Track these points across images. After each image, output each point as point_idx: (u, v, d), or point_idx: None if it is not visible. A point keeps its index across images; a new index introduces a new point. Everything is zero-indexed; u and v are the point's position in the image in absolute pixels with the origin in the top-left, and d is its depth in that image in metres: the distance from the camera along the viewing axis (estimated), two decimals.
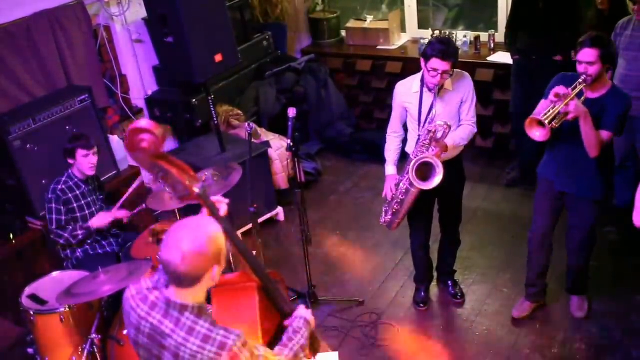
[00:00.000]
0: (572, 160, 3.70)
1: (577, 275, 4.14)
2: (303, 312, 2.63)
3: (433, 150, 3.73)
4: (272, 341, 2.60)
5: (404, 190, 3.91)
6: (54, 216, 4.14)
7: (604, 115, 3.51)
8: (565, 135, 3.60)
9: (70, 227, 4.16)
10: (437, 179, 3.72)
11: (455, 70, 3.79)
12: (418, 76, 3.89)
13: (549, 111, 3.36)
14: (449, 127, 3.67)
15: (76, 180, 4.18)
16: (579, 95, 3.45)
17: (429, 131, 3.70)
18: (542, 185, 3.97)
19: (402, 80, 4.00)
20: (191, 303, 2.15)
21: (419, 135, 3.84)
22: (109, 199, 4.47)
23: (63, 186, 4.15)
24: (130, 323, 2.26)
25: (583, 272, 4.13)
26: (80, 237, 4.18)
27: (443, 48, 3.59)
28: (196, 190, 2.24)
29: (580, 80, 3.45)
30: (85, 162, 4.13)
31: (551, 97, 3.41)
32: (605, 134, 3.52)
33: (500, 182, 5.73)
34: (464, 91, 3.86)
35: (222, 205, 2.45)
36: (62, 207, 4.13)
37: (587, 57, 3.42)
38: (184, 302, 2.15)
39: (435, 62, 3.62)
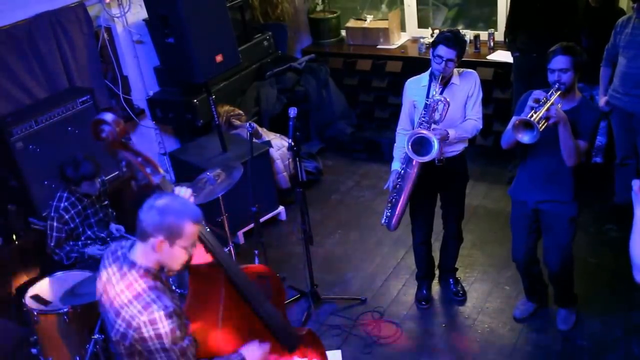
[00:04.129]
0: (547, 176, 3.65)
1: (561, 291, 4.09)
2: (248, 348, 2.61)
3: (434, 132, 3.77)
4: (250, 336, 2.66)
5: (401, 175, 3.95)
6: (54, 234, 4.13)
7: (578, 126, 3.46)
8: (540, 150, 3.55)
9: (68, 248, 4.17)
10: (434, 151, 3.75)
11: (463, 68, 3.94)
12: (428, 72, 3.95)
13: (532, 115, 3.31)
14: (448, 102, 3.74)
15: (79, 194, 4.16)
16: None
17: (427, 105, 3.78)
18: (515, 208, 3.92)
19: (413, 77, 4.07)
20: (139, 262, 2.35)
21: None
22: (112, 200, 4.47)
23: (66, 203, 4.13)
24: (99, 273, 2.48)
25: (567, 288, 4.07)
26: (72, 260, 4.19)
27: (450, 36, 3.73)
28: (155, 180, 2.47)
29: (555, 88, 3.41)
30: (91, 189, 4.14)
31: (530, 102, 3.37)
32: (582, 144, 3.47)
33: (501, 180, 5.74)
34: (470, 86, 3.93)
35: (187, 196, 2.59)
36: (63, 227, 4.13)
37: (560, 64, 3.39)
38: (134, 261, 2.35)
39: (441, 49, 3.72)
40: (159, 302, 2.27)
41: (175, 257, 2.35)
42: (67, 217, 4.13)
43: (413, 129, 4.03)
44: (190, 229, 2.32)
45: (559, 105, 3.39)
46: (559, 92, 3.40)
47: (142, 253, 2.34)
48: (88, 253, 4.20)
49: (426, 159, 3.78)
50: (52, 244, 4.15)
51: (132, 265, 2.34)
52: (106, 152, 2.47)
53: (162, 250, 2.30)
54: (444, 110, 3.76)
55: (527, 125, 3.30)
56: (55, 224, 4.11)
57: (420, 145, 3.79)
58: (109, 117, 2.38)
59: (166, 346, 2.27)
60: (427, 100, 3.79)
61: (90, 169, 4.05)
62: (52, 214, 4.12)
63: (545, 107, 3.31)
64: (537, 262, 4.07)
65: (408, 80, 4.06)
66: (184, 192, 2.57)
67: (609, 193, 5.17)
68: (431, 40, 4.04)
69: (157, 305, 2.26)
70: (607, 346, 3.97)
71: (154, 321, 2.24)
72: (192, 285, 2.68)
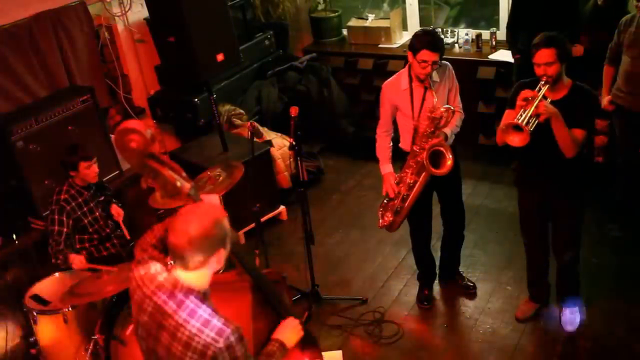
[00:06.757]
0: (547, 168, 3.64)
1: (566, 281, 4.04)
2: (281, 333, 2.56)
3: (434, 140, 3.78)
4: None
5: (410, 185, 3.93)
6: (55, 227, 4.07)
7: (573, 113, 3.44)
8: (536, 144, 3.51)
9: (60, 248, 4.05)
10: (449, 163, 3.80)
11: None
12: (404, 73, 3.94)
13: (521, 115, 3.31)
14: (452, 111, 3.76)
15: (78, 188, 4.16)
16: (544, 97, 3.39)
17: (434, 118, 3.77)
18: (521, 197, 3.93)
19: (387, 81, 4.03)
20: (197, 287, 2.20)
21: (415, 128, 3.90)
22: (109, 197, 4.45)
23: (66, 195, 4.12)
24: (134, 301, 2.30)
25: (573, 278, 4.04)
26: (58, 262, 4.04)
27: (431, 40, 3.69)
28: (187, 190, 2.28)
29: (542, 82, 3.39)
30: (89, 172, 4.12)
31: (519, 102, 3.36)
32: (578, 132, 3.44)
33: (503, 180, 5.71)
34: (449, 80, 3.96)
35: (217, 201, 2.51)
36: (64, 219, 4.08)
37: (544, 58, 3.38)
38: (190, 286, 2.20)
39: (425, 54, 3.69)
40: (231, 325, 2.16)
41: (225, 255, 2.23)
42: (68, 208, 4.09)
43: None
44: (228, 223, 2.22)
45: (548, 100, 3.38)
46: (546, 86, 3.39)
47: (199, 276, 2.20)
48: (70, 261, 4.01)
49: (444, 170, 3.82)
50: (52, 239, 4.05)
51: (189, 291, 2.19)
52: (133, 165, 2.21)
53: (221, 259, 2.19)
54: (447, 122, 3.82)
55: (517, 127, 3.30)
56: (56, 216, 4.06)
57: (432, 155, 3.83)
58: (136, 124, 2.13)
59: None
60: (434, 114, 3.79)
61: (82, 149, 4.10)
62: (53, 207, 4.09)
63: (534, 105, 3.30)
64: (548, 249, 4.02)
65: (384, 84, 4.03)
66: (215, 199, 2.46)
67: (611, 193, 5.15)
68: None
69: (231, 329, 2.15)
70: (609, 346, 3.95)
71: (230, 346, 2.14)
72: (212, 296, 2.49)
